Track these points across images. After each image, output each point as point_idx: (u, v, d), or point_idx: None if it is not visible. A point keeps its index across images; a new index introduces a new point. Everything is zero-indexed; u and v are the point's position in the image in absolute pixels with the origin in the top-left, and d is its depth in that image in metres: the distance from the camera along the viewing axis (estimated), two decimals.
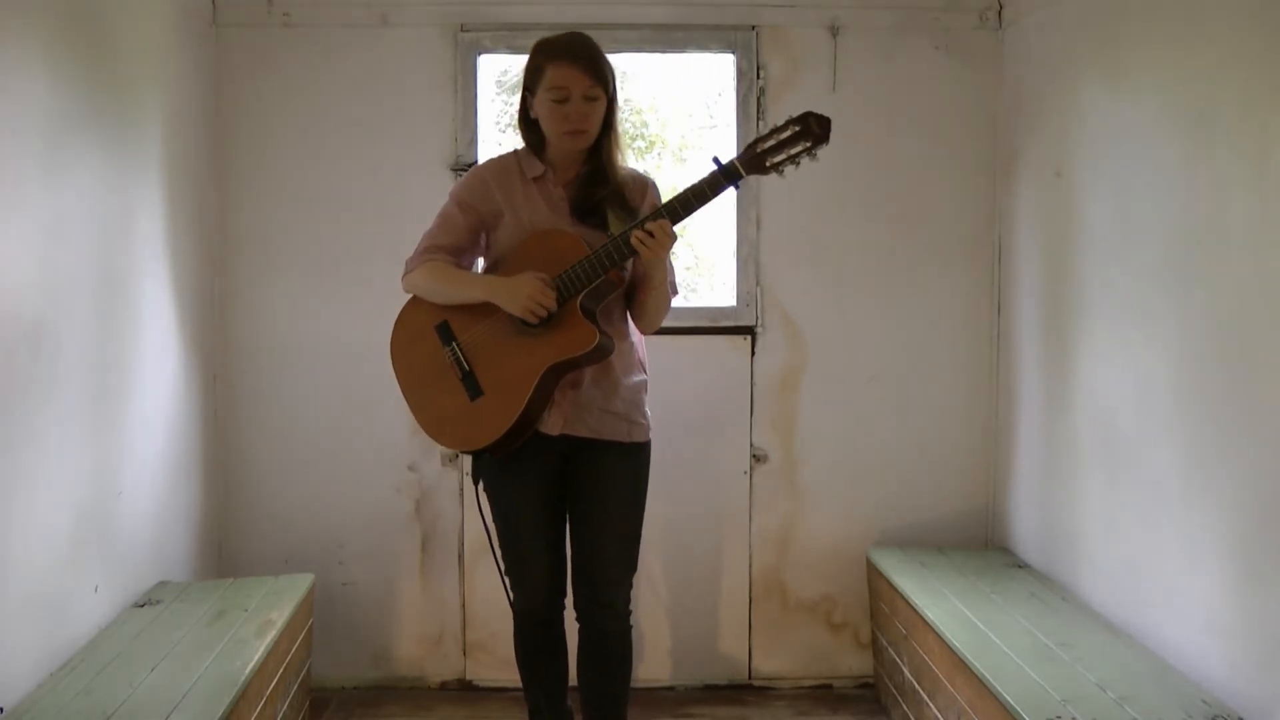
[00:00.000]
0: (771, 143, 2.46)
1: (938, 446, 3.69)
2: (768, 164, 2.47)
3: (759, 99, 3.60)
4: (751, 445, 3.66)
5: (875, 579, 3.52)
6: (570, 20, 3.56)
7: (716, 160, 2.48)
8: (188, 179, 3.36)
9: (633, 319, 2.70)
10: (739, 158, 2.47)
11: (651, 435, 2.73)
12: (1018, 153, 3.50)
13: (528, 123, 2.64)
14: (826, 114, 2.46)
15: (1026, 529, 3.46)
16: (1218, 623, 2.44)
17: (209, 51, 3.53)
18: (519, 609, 2.77)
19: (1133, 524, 2.80)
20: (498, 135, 3.98)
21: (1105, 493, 2.95)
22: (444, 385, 2.61)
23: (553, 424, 2.61)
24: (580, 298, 2.52)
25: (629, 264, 2.55)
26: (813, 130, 2.44)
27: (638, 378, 2.71)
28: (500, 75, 4.55)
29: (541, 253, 2.55)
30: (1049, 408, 3.29)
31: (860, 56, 3.60)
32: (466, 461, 3.62)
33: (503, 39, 3.60)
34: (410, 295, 2.70)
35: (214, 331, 3.57)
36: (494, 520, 2.74)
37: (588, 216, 2.60)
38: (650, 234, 2.46)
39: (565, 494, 2.72)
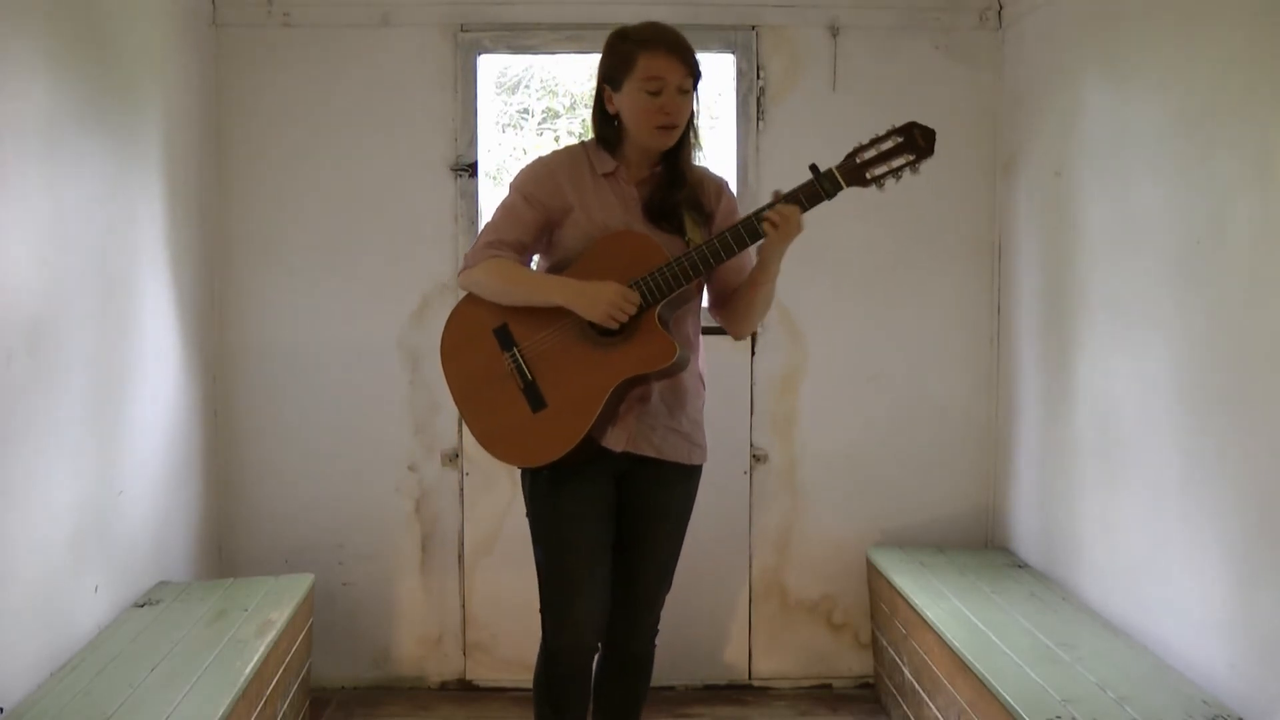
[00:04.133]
0: (872, 153, 2.32)
1: (938, 446, 3.69)
2: (868, 176, 2.32)
3: (759, 99, 3.60)
4: (751, 445, 3.66)
5: (875, 579, 3.52)
6: (570, 20, 3.57)
7: (814, 168, 2.33)
8: (188, 179, 3.36)
9: (729, 321, 2.55)
10: (839, 167, 2.32)
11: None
12: (1018, 152, 3.50)
13: (604, 117, 2.46)
14: (912, 122, 2.33)
15: (1026, 529, 3.46)
16: (1218, 623, 2.44)
17: (209, 51, 3.53)
18: (559, 645, 2.52)
19: (1133, 524, 2.80)
20: (498, 135, 3.98)
21: (1105, 493, 2.95)
22: (501, 394, 2.42)
23: (616, 439, 2.44)
24: (659, 307, 2.36)
25: (707, 273, 2.40)
26: (917, 143, 2.31)
27: (702, 395, 2.58)
28: (500, 75, 4.55)
29: (615, 255, 2.38)
30: (1049, 408, 3.29)
31: (860, 56, 3.60)
32: (467, 461, 3.62)
33: (503, 39, 3.60)
34: (465, 293, 2.49)
35: (214, 331, 3.58)
36: (542, 542, 2.51)
37: (660, 220, 2.44)
38: (774, 224, 2.30)
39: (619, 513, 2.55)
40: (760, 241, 2.36)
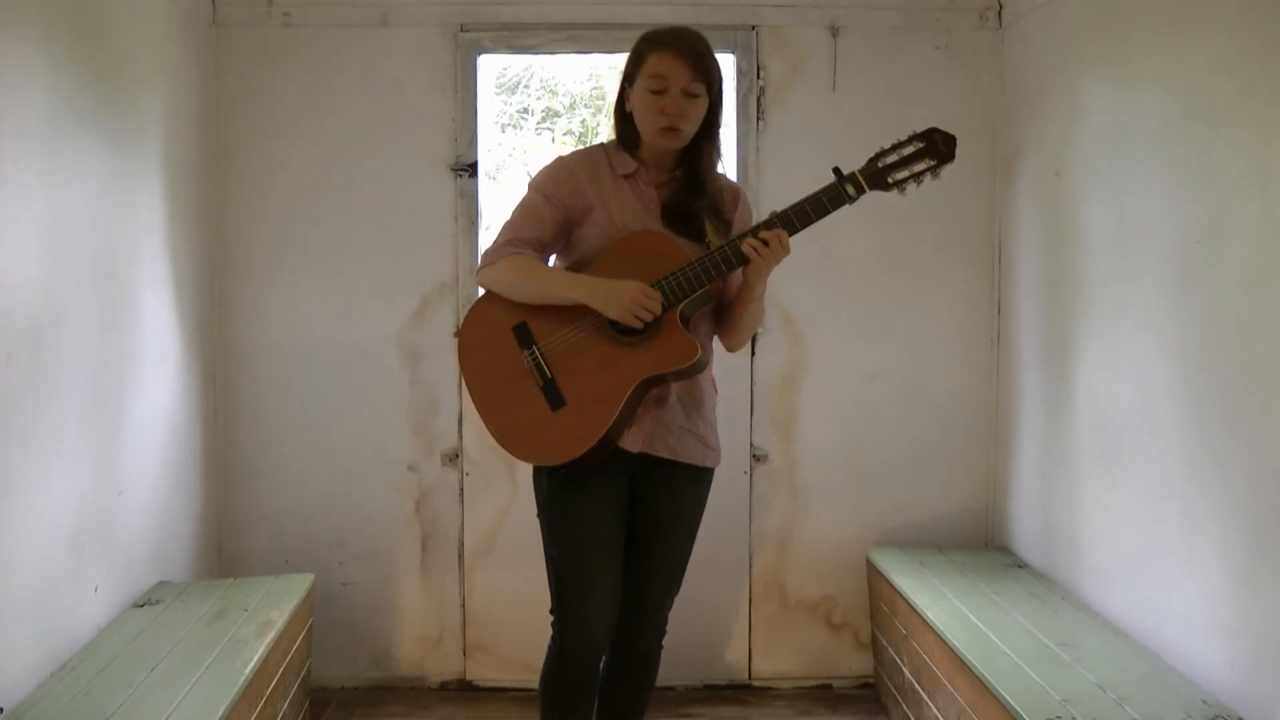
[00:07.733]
0: (894, 158, 2.33)
1: (938, 446, 3.69)
2: (890, 180, 2.34)
3: (759, 99, 3.60)
4: (751, 445, 3.66)
5: (875, 579, 3.52)
6: (570, 20, 3.57)
7: (837, 171, 2.34)
8: (187, 178, 3.36)
9: (721, 335, 2.56)
10: (861, 171, 2.33)
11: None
12: (1018, 153, 3.50)
13: (623, 116, 2.48)
14: (933, 128, 2.34)
15: (1026, 529, 3.46)
16: (1218, 623, 2.44)
17: (209, 51, 3.53)
18: (570, 645, 2.51)
19: (1133, 524, 2.80)
20: (497, 135, 3.98)
21: (1105, 492, 2.95)
22: (520, 392, 2.40)
23: (633, 440, 2.44)
24: (681, 307, 2.35)
25: (727, 275, 2.41)
26: (938, 149, 2.32)
27: (715, 398, 2.58)
28: (500, 75, 4.55)
29: (636, 255, 2.37)
30: (1049, 408, 3.29)
31: (860, 56, 3.60)
32: (467, 461, 3.62)
33: (503, 39, 3.60)
34: (484, 291, 2.49)
35: (213, 331, 3.58)
36: (555, 542, 2.49)
37: (679, 223, 2.44)
38: (764, 243, 2.32)
39: (631, 514, 2.54)
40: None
